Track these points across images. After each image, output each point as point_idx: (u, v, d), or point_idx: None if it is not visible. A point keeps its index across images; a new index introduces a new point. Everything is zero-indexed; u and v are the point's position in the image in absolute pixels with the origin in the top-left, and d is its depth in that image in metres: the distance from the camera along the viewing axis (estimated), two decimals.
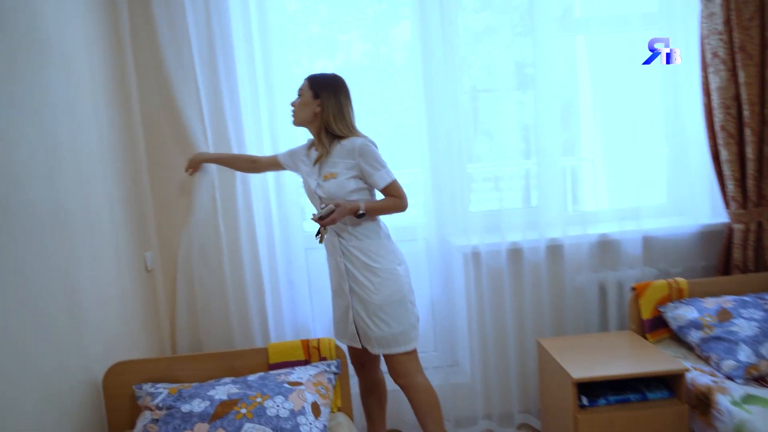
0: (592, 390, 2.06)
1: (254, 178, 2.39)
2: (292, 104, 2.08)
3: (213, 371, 1.91)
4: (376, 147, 2.02)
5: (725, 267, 2.58)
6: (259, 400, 1.67)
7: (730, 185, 2.47)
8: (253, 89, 2.36)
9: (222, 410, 1.63)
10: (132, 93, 2.33)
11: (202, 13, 2.27)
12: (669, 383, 2.06)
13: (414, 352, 2.06)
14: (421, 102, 2.48)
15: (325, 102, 2.00)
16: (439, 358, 2.65)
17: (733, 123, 2.43)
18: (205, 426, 1.60)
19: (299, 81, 2.09)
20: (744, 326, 2.09)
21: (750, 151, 2.42)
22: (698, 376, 2.04)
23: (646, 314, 2.37)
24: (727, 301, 2.25)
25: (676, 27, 2.52)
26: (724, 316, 2.18)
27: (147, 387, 1.79)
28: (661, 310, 2.36)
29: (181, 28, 2.26)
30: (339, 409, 1.94)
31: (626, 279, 2.56)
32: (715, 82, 2.43)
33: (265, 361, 1.93)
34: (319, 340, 1.96)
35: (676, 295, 2.38)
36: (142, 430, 1.65)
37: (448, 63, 2.45)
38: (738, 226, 2.49)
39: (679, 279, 2.42)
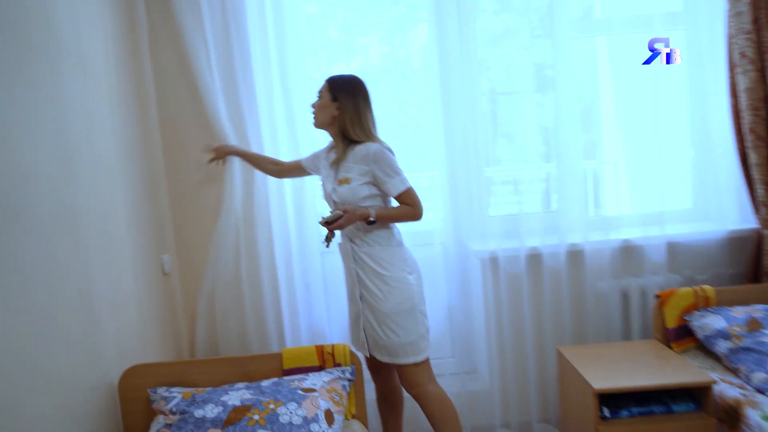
0: (614, 401, 2.00)
1: (272, 181, 2.38)
2: (312, 105, 2.07)
3: (227, 376, 1.90)
4: (392, 154, 1.99)
5: (754, 274, 2.49)
6: (272, 406, 1.65)
7: (760, 189, 2.39)
8: (268, 91, 2.35)
9: (235, 416, 1.62)
10: (150, 96, 2.35)
11: (218, 16, 2.27)
12: (695, 395, 1.99)
13: (424, 362, 2.02)
14: (438, 105, 2.45)
15: (343, 105, 1.98)
16: (456, 365, 2.61)
17: (762, 125, 2.35)
18: None
19: (318, 83, 2.07)
20: None
21: None
22: (726, 388, 1.96)
23: (671, 323, 2.30)
24: (757, 311, 2.16)
25: (701, 26, 2.47)
26: (753, 326, 2.09)
27: (161, 391, 1.78)
28: (687, 318, 2.28)
29: (198, 32, 2.27)
30: (353, 417, 1.91)
31: (650, 286, 2.49)
32: (743, 83, 2.36)
33: (279, 367, 1.91)
34: (333, 345, 1.94)
35: (703, 304, 2.31)
36: None
37: (465, 65, 2.42)
38: None
39: (706, 287, 2.34)
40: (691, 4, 2.51)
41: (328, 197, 2.08)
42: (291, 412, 1.64)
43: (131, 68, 2.18)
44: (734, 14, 2.35)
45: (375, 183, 1.97)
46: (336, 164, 2.01)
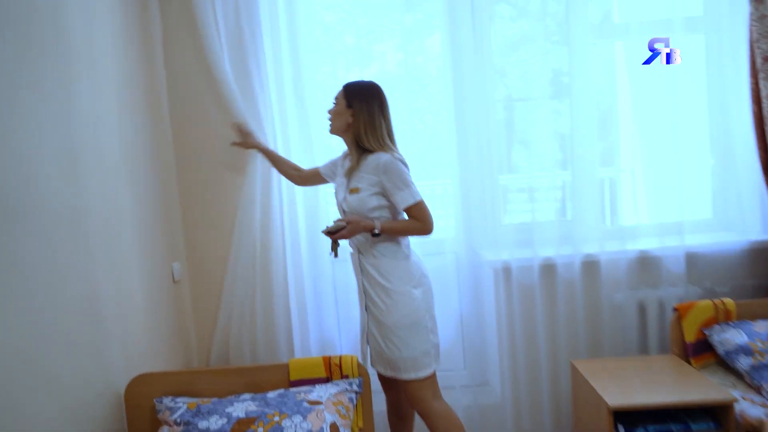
0: (630, 418, 1.94)
1: (283, 188, 2.36)
2: (329, 112, 2.04)
3: (234, 386, 1.88)
4: (404, 165, 1.93)
5: None
6: (276, 419, 1.63)
7: None
8: (280, 98, 2.34)
9: (239, 428, 1.60)
10: (162, 101, 2.35)
11: (232, 21, 2.27)
12: (715, 414, 1.91)
13: (427, 378, 1.96)
14: (451, 112, 2.42)
15: (357, 113, 1.95)
16: (468, 377, 2.57)
17: None
18: None
19: (335, 90, 2.05)
20: None
21: None
22: (748, 407, 1.89)
23: (690, 337, 2.22)
24: None
25: (722, 31, 2.41)
26: None
27: (167, 401, 1.77)
28: (707, 332, 2.21)
29: (212, 36, 2.26)
30: (360, 430, 1.88)
31: (668, 298, 2.42)
32: (766, 89, 2.29)
33: (286, 378, 1.89)
34: (341, 357, 1.91)
35: (723, 317, 2.23)
36: None
37: (478, 72, 2.39)
38: None
39: (726, 299, 2.27)
40: (711, 8, 2.45)
41: (339, 206, 2.06)
42: (296, 425, 1.62)
43: (144, 72, 2.19)
44: (757, 18, 2.28)
45: (384, 194, 1.94)
46: (349, 173, 1.99)
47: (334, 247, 1.97)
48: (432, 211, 1.95)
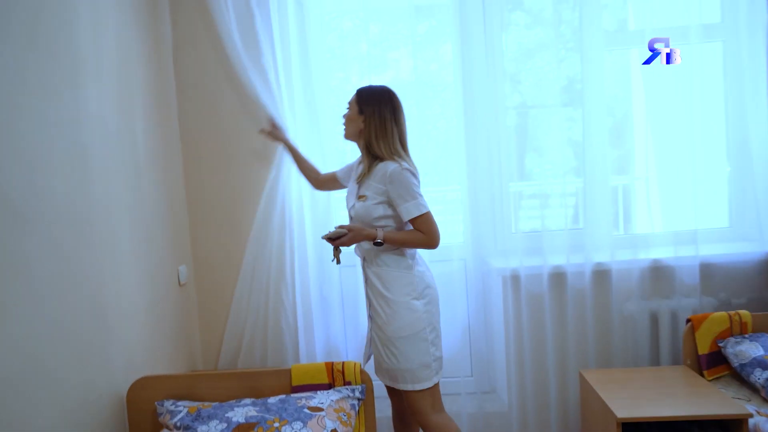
0: (639, 431, 1.88)
1: (292, 193, 2.35)
2: (344, 117, 2.02)
3: (235, 390, 1.87)
4: (413, 175, 1.88)
5: None
6: (276, 425, 1.61)
7: None
8: (290, 102, 2.35)
9: None
10: (172, 105, 2.36)
11: (247, 26, 2.27)
12: (728, 428, 1.86)
13: (426, 391, 1.90)
14: (460, 119, 2.40)
15: (369, 118, 1.92)
16: (474, 384, 2.52)
17: None
18: None
19: (348, 96, 2.03)
20: None
21: None
22: (764, 422, 1.82)
23: (703, 349, 2.17)
24: None
25: (740, 37, 2.36)
26: None
27: (168, 404, 1.76)
28: (721, 345, 2.15)
29: (223, 43, 2.27)
30: None
31: (681, 309, 2.36)
32: None
33: (288, 383, 1.87)
34: (343, 363, 1.89)
35: (738, 329, 2.17)
36: None
37: (490, 80, 2.37)
38: None
39: (742, 311, 2.21)
40: (729, 15, 2.40)
41: (348, 212, 2.04)
42: None
43: (153, 74, 2.19)
44: None
45: (391, 204, 1.90)
46: (360, 180, 1.96)
47: (336, 253, 1.95)
48: (444, 217, 1.92)
